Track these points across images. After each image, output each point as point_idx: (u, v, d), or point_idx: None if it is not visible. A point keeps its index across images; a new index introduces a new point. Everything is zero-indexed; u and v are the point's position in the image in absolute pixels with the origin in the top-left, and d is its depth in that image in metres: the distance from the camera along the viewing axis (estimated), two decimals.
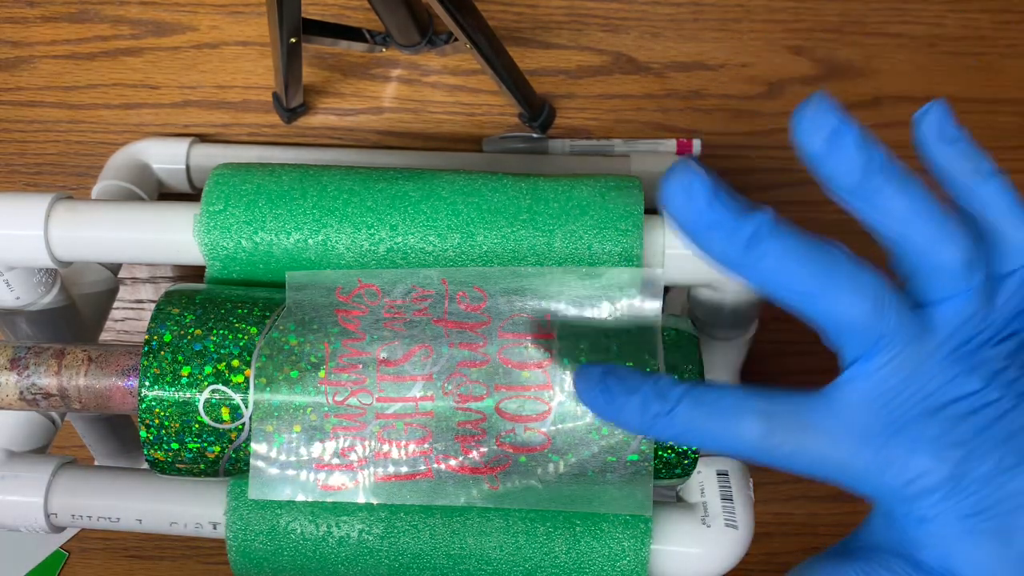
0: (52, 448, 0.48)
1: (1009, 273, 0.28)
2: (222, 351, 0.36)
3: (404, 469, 0.36)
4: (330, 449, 0.36)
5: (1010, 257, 0.28)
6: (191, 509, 0.41)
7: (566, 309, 0.38)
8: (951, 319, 0.27)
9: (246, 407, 0.36)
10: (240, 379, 0.36)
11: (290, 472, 0.36)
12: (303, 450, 0.36)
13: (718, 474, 0.42)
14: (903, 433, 0.27)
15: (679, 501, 0.43)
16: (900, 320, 0.26)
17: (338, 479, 0.36)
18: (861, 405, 0.27)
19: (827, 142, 0.25)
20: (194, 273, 0.60)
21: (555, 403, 0.36)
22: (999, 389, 0.27)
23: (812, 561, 0.29)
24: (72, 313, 0.48)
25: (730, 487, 0.42)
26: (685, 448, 0.37)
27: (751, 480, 0.43)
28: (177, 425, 0.36)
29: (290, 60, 0.51)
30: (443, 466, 0.36)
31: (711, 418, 0.27)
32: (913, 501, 0.27)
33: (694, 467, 0.38)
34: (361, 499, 0.37)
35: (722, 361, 0.48)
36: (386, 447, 0.36)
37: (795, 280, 0.26)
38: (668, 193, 0.25)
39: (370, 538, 0.39)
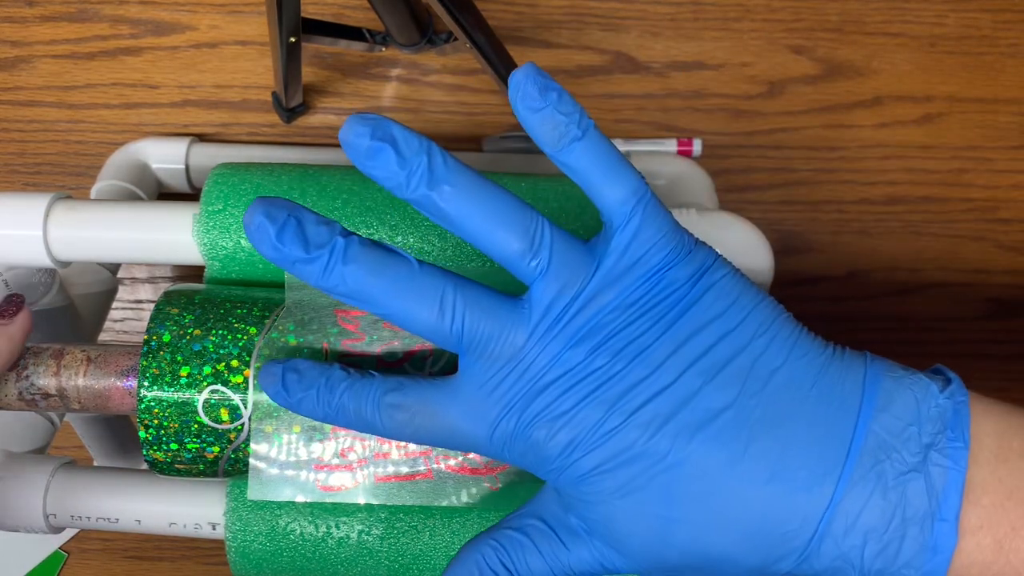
0: (51, 448, 0.48)
1: (610, 236, 0.29)
2: (221, 351, 0.36)
3: (404, 469, 0.36)
4: (329, 450, 0.36)
5: (608, 219, 0.29)
6: (190, 510, 0.41)
7: None
8: (538, 303, 0.29)
9: (245, 407, 0.36)
10: (239, 379, 0.36)
11: (289, 473, 0.36)
12: (302, 450, 0.36)
13: None
14: (515, 414, 0.29)
15: None
16: (477, 322, 0.28)
17: (337, 480, 0.36)
18: (473, 394, 0.29)
19: (370, 166, 0.27)
20: (193, 273, 0.60)
21: None
22: (605, 356, 0.28)
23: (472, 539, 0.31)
24: (71, 313, 0.48)
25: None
26: None
27: None
28: (176, 425, 0.36)
29: (290, 60, 0.51)
30: (443, 466, 0.36)
31: (366, 409, 0.30)
32: (539, 470, 0.30)
33: None
34: (360, 500, 0.36)
35: None
36: (385, 447, 0.36)
37: (368, 297, 0.28)
38: (248, 234, 0.27)
39: (370, 539, 0.39)
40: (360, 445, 0.36)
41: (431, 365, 0.36)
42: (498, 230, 0.28)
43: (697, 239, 0.30)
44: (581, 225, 0.39)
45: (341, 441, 0.36)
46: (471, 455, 0.36)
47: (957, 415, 0.28)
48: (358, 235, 0.28)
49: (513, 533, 0.30)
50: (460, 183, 0.28)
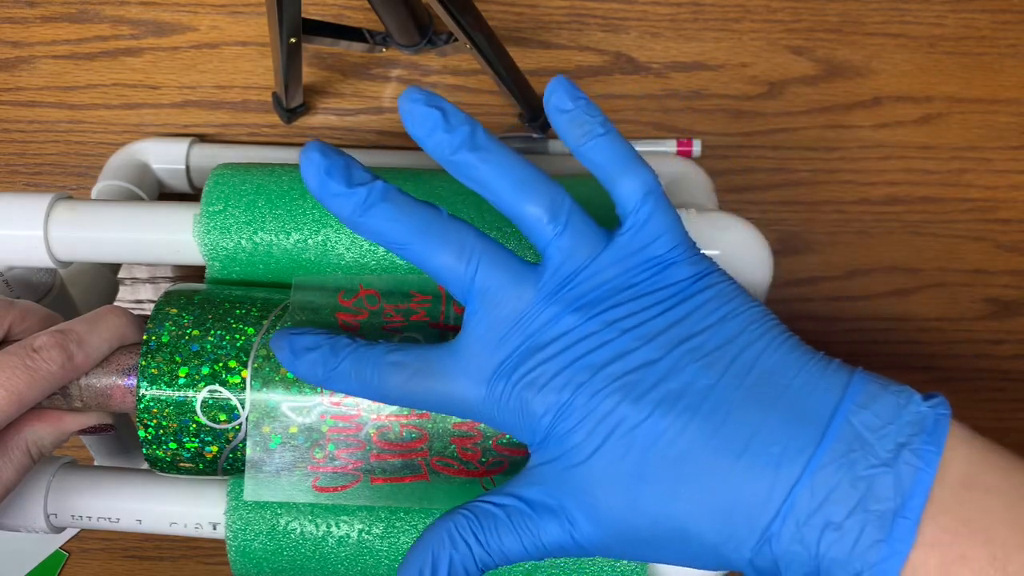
0: None
1: (622, 222, 0.32)
2: (219, 352, 0.36)
3: (400, 471, 0.36)
4: (325, 451, 0.36)
5: (622, 208, 0.32)
6: (191, 509, 0.41)
7: None
8: (549, 265, 0.31)
9: (243, 408, 0.36)
10: (237, 380, 0.36)
11: (286, 473, 0.36)
12: (299, 451, 0.36)
13: None
14: (508, 371, 0.30)
15: None
16: (493, 269, 0.31)
17: (334, 481, 0.36)
18: (474, 349, 0.31)
19: (422, 127, 0.30)
20: (194, 273, 0.60)
21: None
22: (596, 324, 0.30)
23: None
24: (72, 313, 0.48)
25: None
26: None
27: None
28: (175, 425, 0.36)
29: (290, 60, 0.51)
30: (439, 468, 0.36)
31: (365, 370, 0.31)
32: (525, 432, 0.31)
33: None
34: (356, 501, 0.37)
35: None
36: (382, 449, 0.36)
37: (396, 234, 0.30)
38: (302, 166, 0.30)
39: (370, 538, 0.39)
40: (356, 447, 0.36)
41: None
42: (524, 195, 0.31)
43: (700, 249, 0.32)
44: None
45: (337, 442, 0.36)
46: (468, 456, 0.36)
47: (936, 423, 0.28)
48: (397, 187, 0.31)
49: (486, 506, 0.31)
50: (496, 151, 0.31)
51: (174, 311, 0.37)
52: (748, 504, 0.28)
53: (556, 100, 0.32)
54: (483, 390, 0.31)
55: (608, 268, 0.31)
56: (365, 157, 0.57)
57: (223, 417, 0.36)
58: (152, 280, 0.62)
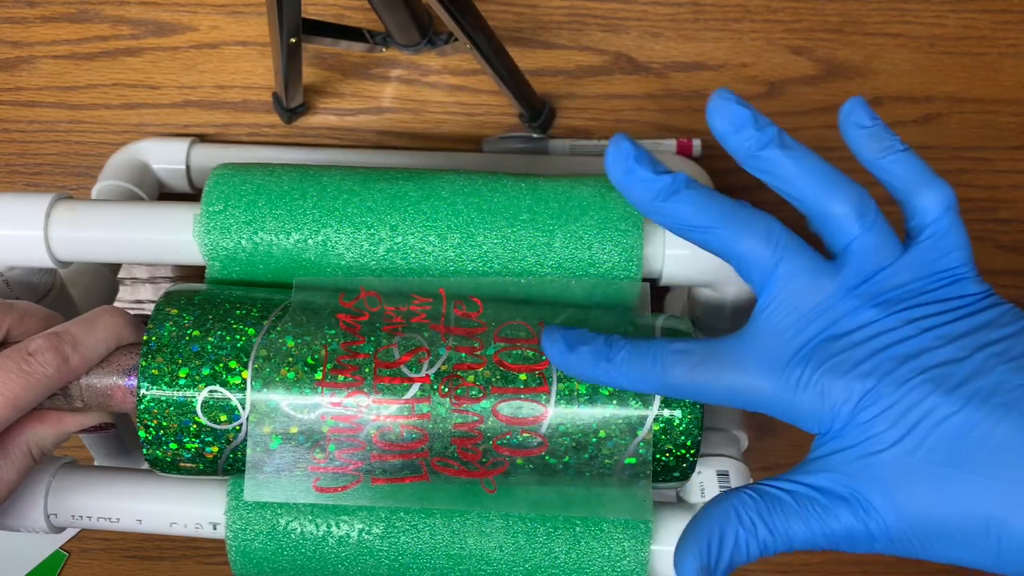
0: None
1: (919, 231, 0.32)
2: (220, 352, 0.36)
3: (400, 472, 0.36)
4: (326, 451, 0.36)
5: (920, 218, 0.33)
6: (191, 509, 0.41)
7: (562, 315, 0.38)
8: (852, 260, 0.32)
9: (243, 408, 0.36)
10: (237, 380, 0.36)
11: (286, 474, 0.36)
12: (299, 452, 0.36)
13: (718, 474, 0.42)
14: (807, 358, 0.31)
15: (680, 502, 0.43)
16: (797, 258, 0.32)
17: (334, 481, 0.36)
18: (768, 335, 0.32)
19: (731, 123, 0.32)
20: (194, 273, 0.60)
21: (551, 406, 0.36)
22: (897, 320, 0.31)
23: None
24: (72, 314, 0.48)
25: (730, 487, 0.42)
26: (683, 451, 0.37)
27: (751, 480, 0.43)
28: (175, 425, 0.36)
29: (290, 60, 0.51)
30: (440, 469, 0.36)
31: (646, 360, 0.32)
32: (821, 420, 0.31)
33: (692, 470, 0.38)
34: (357, 502, 0.37)
35: None
36: (383, 450, 0.36)
37: (701, 219, 0.32)
38: (606, 157, 0.32)
39: (370, 538, 0.39)
40: (357, 447, 0.36)
41: (428, 367, 0.36)
42: (831, 193, 0.32)
43: None
44: (583, 225, 0.39)
45: (337, 443, 0.36)
46: (468, 457, 0.36)
47: None
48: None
49: (771, 489, 0.31)
50: (804, 151, 0.32)
51: (174, 311, 0.37)
52: None
53: (856, 116, 0.33)
54: (777, 376, 0.31)
55: (905, 271, 0.32)
56: (365, 157, 0.57)
57: (223, 417, 0.36)
58: (152, 280, 0.62)
